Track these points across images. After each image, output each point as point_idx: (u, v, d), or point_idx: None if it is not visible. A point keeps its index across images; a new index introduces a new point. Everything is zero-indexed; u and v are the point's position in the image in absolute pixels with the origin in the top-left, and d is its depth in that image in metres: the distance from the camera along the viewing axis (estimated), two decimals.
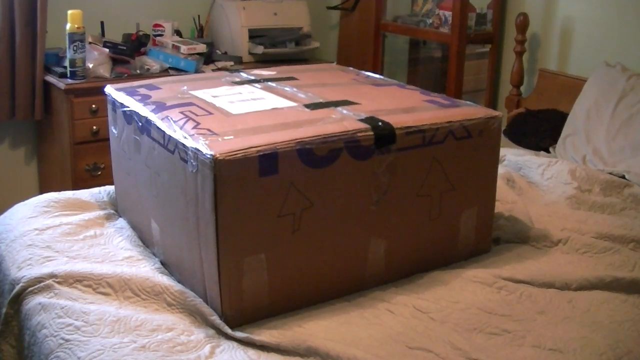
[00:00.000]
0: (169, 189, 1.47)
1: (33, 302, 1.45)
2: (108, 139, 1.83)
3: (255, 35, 3.17)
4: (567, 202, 1.96)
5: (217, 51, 3.19)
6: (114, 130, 1.76)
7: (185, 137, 1.35)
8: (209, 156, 1.26)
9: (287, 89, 1.74)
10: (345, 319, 1.38)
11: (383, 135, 1.43)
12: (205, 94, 1.67)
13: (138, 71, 2.82)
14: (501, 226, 1.76)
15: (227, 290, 1.34)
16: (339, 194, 1.41)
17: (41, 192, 2.35)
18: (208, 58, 3.05)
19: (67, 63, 2.70)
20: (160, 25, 3.10)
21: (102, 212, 1.83)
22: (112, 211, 1.87)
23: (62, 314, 1.38)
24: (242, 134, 1.36)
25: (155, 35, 3.08)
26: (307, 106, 1.56)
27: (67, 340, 1.32)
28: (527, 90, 2.97)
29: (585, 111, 2.45)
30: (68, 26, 2.64)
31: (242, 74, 1.95)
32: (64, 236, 1.69)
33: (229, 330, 1.33)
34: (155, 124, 1.47)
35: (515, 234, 1.75)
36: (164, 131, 1.43)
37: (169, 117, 1.46)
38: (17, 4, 2.74)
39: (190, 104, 1.57)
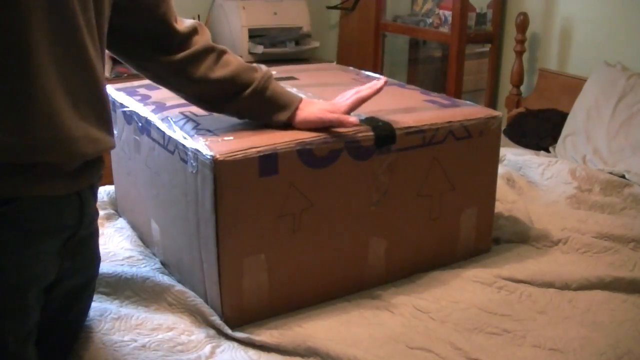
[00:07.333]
0: (169, 190, 1.47)
1: None
2: None
3: (255, 35, 3.17)
4: (567, 201, 1.96)
5: None
6: (114, 130, 1.76)
7: (185, 138, 1.35)
8: (208, 157, 1.26)
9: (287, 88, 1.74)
10: (345, 319, 1.38)
11: (383, 135, 1.43)
12: None
13: None
14: (501, 226, 1.75)
15: (227, 291, 1.34)
16: (339, 194, 1.41)
17: None
18: None
19: None
20: None
21: (102, 212, 1.83)
22: (112, 211, 1.87)
23: None
24: (242, 135, 1.36)
25: None
26: None
27: None
28: (527, 90, 2.97)
29: (585, 111, 2.45)
30: None
31: None
32: None
33: (229, 331, 1.33)
34: (155, 124, 1.47)
35: (515, 234, 1.74)
36: (163, 131, 1.43)
37: (169, 118, 1.46)
38: None
39: (190, 104, 1.56)
